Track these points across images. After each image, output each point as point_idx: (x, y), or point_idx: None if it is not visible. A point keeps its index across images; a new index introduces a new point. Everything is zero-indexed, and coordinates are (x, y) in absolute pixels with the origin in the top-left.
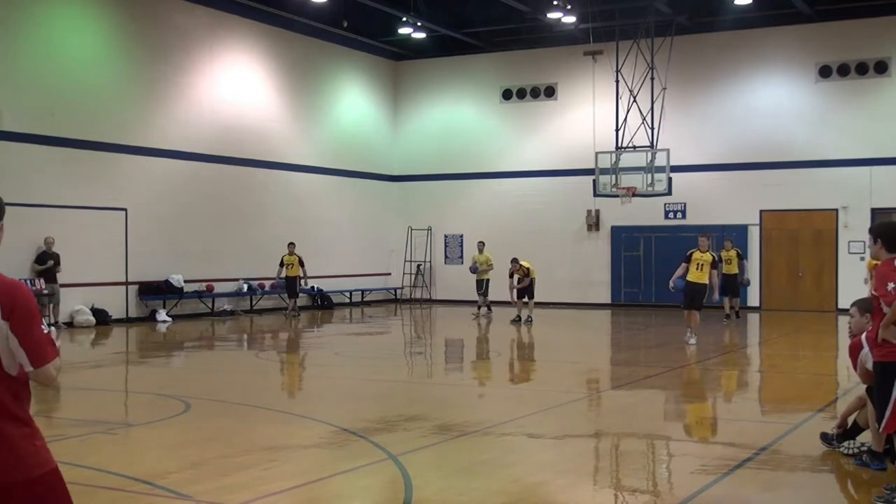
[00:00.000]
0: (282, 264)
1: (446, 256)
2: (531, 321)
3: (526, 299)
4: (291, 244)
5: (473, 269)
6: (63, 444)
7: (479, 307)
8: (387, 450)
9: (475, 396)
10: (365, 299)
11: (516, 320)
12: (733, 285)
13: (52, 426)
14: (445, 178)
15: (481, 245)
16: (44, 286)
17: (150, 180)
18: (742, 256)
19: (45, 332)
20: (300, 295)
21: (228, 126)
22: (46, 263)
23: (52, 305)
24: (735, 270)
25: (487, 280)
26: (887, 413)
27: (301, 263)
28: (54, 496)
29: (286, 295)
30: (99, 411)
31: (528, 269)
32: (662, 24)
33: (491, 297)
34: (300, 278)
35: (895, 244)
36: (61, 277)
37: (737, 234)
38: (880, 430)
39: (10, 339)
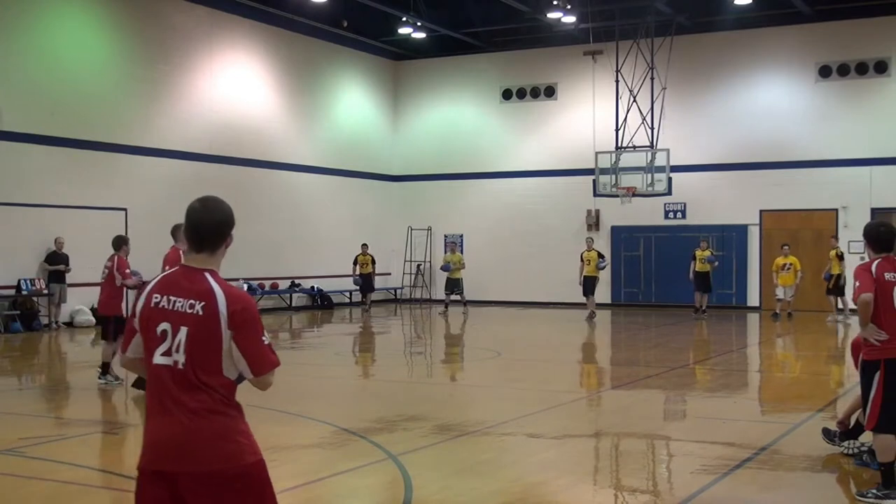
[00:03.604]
0: (356, 263)
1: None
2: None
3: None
4: (364, 245)
5: (446, 269)
6: (63, 444)
7: (446, 305)
8: (387, 450)
9: (475, 396)
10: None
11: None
12: (705, 283)
13: (52, 426)
14: (445, 178)
15: (453, 245)
16: (44, 286)
17: (150, 180)
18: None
19: (266, 342)
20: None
21: (228, 126)
22: (57, 264)
23: (60, 305)
24: (708, 269)
25: (461, 279)
26: (868, 410)
27: (373, 262)
28: (254, 491)
29: (360, 291)
30: (99, 411)
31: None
32: (662, 24)
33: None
34: (373, 275)
35: (879, 245)
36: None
37: (737, 234)
38: (864, 426)
39: (233, 348)
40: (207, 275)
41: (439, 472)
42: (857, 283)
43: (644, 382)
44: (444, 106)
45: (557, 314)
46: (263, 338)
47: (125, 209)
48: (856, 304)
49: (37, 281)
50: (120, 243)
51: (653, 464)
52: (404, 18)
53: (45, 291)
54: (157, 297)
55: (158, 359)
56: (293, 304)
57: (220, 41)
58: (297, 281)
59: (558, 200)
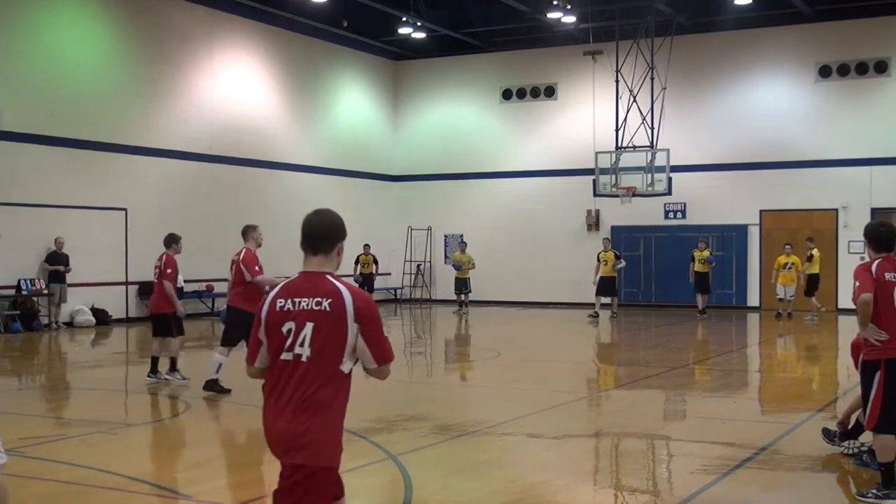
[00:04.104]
0: (357, 262)
1: (446, 256)
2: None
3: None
4: (367, 245)
5: (458, 267)
6: (63, 444)
7: (460, 304)
8: (387, 450)
9: (475, 396)
10: None
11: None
12: (704, 283)
13: (52, 426)
14: (445, 178)
15: (463, 245)
16: (45, 286)
17: (150, 180)
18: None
19: (386, 336)
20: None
21: (228, 126)
22: (57, 264)
23: (60, 305)
24: (707, 269)
25: (469, 278)
26: (868, 410)
27: (375, 262)
28: (323, 489)
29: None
30: (99, 411)
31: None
32: (662, 24)
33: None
34: (374, 275)
35: (880, 245)
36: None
37: (737, 234)
38: (864, 426)
39: (358, 341)
40: (328, 276)
41: (439, 472)
42: (857, 283)
43: (644, 382)
44: (444, 106)
45: (557, 314)
46: (384, 332)
47: (125, 209)
48: (855, 304)
49: (37, 281)
50: (171, 241)
51: (653, 464)
52: (404, 18)
53: (45, 291)
54: (281, 302)
55: (284, 355)
56: None
57: (220, 41)
58: None
59: (558, 200)
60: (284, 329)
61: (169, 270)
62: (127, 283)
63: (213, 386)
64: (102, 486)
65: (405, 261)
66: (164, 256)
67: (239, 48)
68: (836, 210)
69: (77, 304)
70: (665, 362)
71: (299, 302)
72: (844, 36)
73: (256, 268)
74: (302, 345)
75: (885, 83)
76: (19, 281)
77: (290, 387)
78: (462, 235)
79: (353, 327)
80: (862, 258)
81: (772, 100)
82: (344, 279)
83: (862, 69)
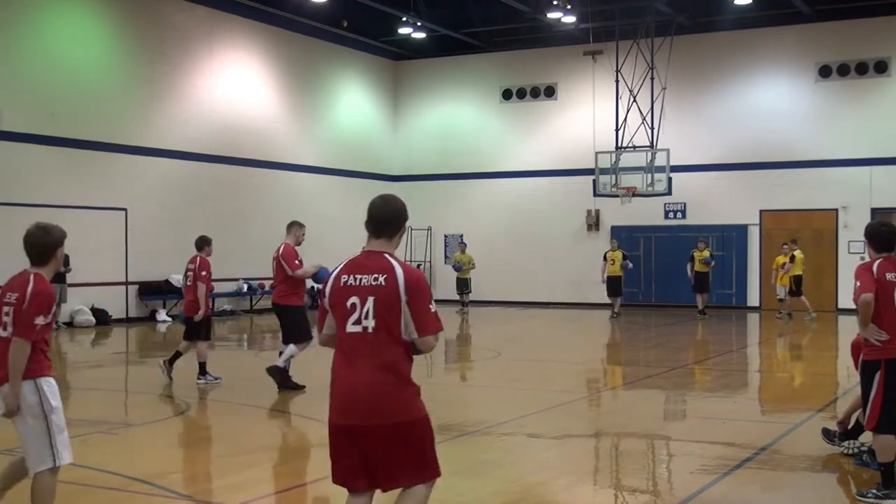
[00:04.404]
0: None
1: (446, 256)
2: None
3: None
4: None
5: (458, 268)
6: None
7: (463, 305)
8: None
9: (475, 396)
10: None
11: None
12: (703, 284)
13: None
14: (445, 178)
15: (463, 246)
16: None
17: (150, 180)
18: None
19: (433, 310)
20: None
21: (228, 126)
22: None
23: (60, 304)
24: (706, 269)
25: (470, 279)
26: (868, 410)
27: None
28: (424, 435)
29: None
30: (99, 411)
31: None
32: (662, 24)
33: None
34: None
35: (880, 245)
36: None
37: (737, 234)
38: (864, 426)
39: (404, 312)
40: (387, 255)
41: None
42: (858, 283)
43: (644, 382)
44: (444, 106)
45: (557, 314)
46: (431, 306)
47: (125, 209)
48: (856, 304)
49: None
50: (203, 244)
51: (653, 464)
52: (404, 18)
53: None
54: (344, 278)
55: (350, 328)
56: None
57: (220, 41)
58: None
59: (558, 200)
60: (349, 303)
61: (204, 273)
62: (127, 283)
63: (284, 380)
64: (102, 486)
65: (405, 261)
66: (198, 259)
67: (239, 48)
68: (836, 210)
69: (77, 304)
70: (665, 362)
71: (360, 278)
72: (844, 36)
73: (296, 262)
74: (367, 317)
75: (885, 83)
76: None
77: (364, 356)
78: (462, 235)
79: (402, 299)
80: (862, 258)
81: (772, 100)
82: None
83: (862, 69)
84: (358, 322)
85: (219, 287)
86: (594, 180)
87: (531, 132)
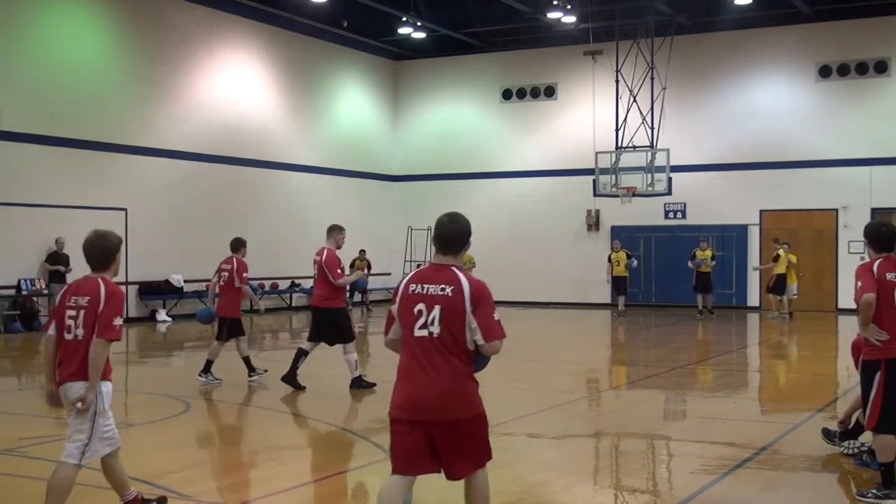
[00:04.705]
0: (352, 266)
1: None
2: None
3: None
4: (362, 251)
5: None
6: (63, 445)
7: None
8: (387, 450)
9: None
10: (363, 299)
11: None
12: (706, 283)
13: (52, 426)
14: (445, 178)
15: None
16: (44, 286)
17: (150, 180)
18: (714, 258)
19: (496, 318)
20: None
21: (228, 126)
22: (58, 264)
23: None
24: (709, 269)
25: None
26: (868, 410)
27: (369, 266)
28: (482, 431)
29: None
30: None
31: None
32: (662, 24)
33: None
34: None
35: (881, 245)
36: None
37: (737, 234)
38: (864, 426)
39: (470, 320)
40: (453, 268)
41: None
42: (860, 284)
43: (644, 382)
44: (444, 106)
45: (557, 314)
46: (494, 314)
47: (125, 209)
48: (857, 304)
49: (37, 281)
50: (239, 245)
51: (653, 464)
52: (404, 18)
53: (45, 291)
54: (413, 286)
55: (417, 332)
56: (293, 304)
57: (220, 41)
58: (297, 281)
59: (558, 200)
60: (415, 309)
61: (245, 274)
62: (127, 283)
63: (359, 383)
64: (102, 486)
65: (405, 261)
66: (235, 261)
67: (239, 48)
68: (836, 210)
69: None
70: (665, 362)
71: (428, 288)
72: (844, 36)
73: (338, 270)
74: (433, 324)
75: (885, 83)
76: (19, 281)
77: (429, 358)
78: None
79: (468, 308)
80: (862, 258)
81: (772, 100)
82: (463, 270)
83: (862, 69)
84: (424, 327)
85: None
86: (594, 180)
87: (531, 132)
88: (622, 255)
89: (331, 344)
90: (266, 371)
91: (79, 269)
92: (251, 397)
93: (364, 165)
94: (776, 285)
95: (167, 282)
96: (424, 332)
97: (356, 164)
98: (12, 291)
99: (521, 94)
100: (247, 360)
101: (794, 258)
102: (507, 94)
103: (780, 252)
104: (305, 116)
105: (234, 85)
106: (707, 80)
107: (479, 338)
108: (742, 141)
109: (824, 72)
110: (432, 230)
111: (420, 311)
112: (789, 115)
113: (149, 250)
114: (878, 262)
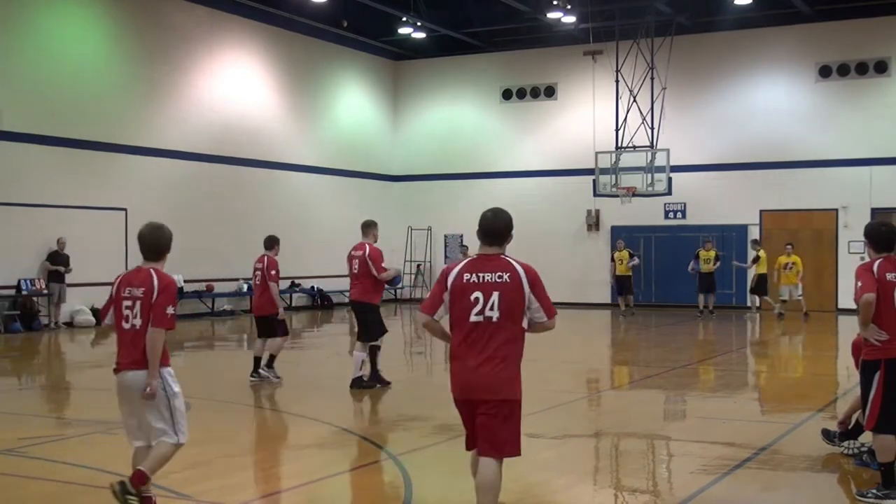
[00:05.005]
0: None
1: (446, 256)
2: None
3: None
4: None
5: None
6: (63, 444)
7: None
8: (387, 450)
9: None
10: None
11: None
12: (709, 283)
13: (52, 426)
14: (445, 178)
15: (465, 248)
16: (44, 286)
17: (150, 180)
18: (719, 258)
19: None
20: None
21: (228, 126)
22: (58, 265)
23: (59, 305)
24: (712, 269)
25: None
26: (867, 410)
27: None
28: (516, 417)
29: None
30: (99, 411)
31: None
32: (662, 24)
33: None
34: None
35: (881, 245)
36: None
37: (737, 234)
38: (864, 426)
39: (532, 301)
40: (504, 256)
41: (439, 472)
42: (860, 284)
43: (644, 382)
44: (444, 106)
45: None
46: (547, 293)
47: (125, 209)
48: (857, 304)
49: (37, 281)
50: (272, 243)
51: (653, 464)
52: (404, 18)
53: (45, 291)
54: (467, 276)
55: (473, 318)
56: (293, 304)
57: (220, 41)
58: (296, 281)
59: (558, 200)
60: (472, 297)
61: (273, 272)
62: None
63: (359, 383)
64: (102, 486)
65: (405, 261)
66: (266, 258)
67: (239, 48)
68: (836, 210)
69: (77, 304)
70: (665, 362)
71: (484, 276)
72: (844, 36)
73: (383, 265)
74: (492, 309)
75: (885, 83)
76: (19, 281)
77: (483, 342)
78: (462, 236)
79: (527, 291)
80: (862, 258)
81: (772, 100)
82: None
83: (862, 69)
84: (480, 313)
85: (219, 287)
86: (594, 180)
87: (531, 132)
88: (625, 254)
89: (359, 339)
90: (279, 379)
91: (79, 269)
92: (251, 397)
93: (364, 165)
94: (758, 285)
95: None
96: (480, 318)
97: (356, 164)
98: (12, 291)
99: (521, 94)
100: (257, 361)
101: (796, 259)
102: (507, 94)
103: (760, 253)
104: (305, 116)
105: (234, 85)
106: (707, 80)
107: (540, 315)
108: (742, 141)
109: (824, 72)
110: (479, 223)
111: (477, 299)
112: (789, 115)
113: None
114: (878, 262)
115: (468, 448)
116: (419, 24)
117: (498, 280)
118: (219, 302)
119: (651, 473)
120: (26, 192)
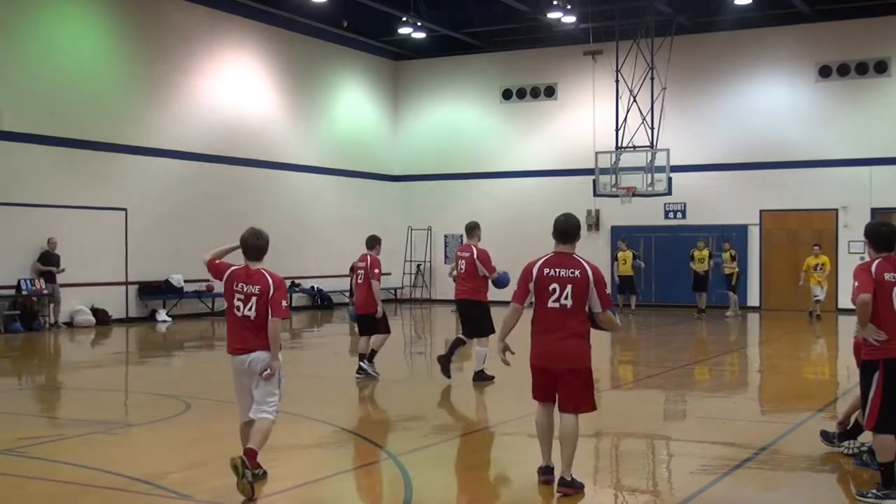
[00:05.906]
0: (352, 270)
1: (446, 256)
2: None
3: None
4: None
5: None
6: (63, 444)
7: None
8: (387, 450)
9: (475, 396)
10: None
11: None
12: (703, 283)
13: (52, 426)
14: (445, 178)
15: None
16: (44, 286)
17: (150, 180)
18: (712, 256)
19: (608, 292)
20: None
21: (228, 126)
22: (50, 265)
23: (52, 305)
24: (706, 269)
25: None
26: (867, 410)
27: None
28: (589, 381)
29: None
30: (99, 411)
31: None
32: (662, 24)
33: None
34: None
35: (881, 245)
36: (62, 277)
37: (737, 234)
38: (863, 426)
39: (594, 294)
40: (576, 256)
41: (439, 472)
42: (857, 284)
43: (644, 382)
44: (444, 106)
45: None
46: (607, 289)
47: (125, 209)
48: (854, 304)
49: (37, 281)
50: (374, 243)
51: (653, 464)
52: (404, 18)
53: (45, 291)
54: (546, 270)
55: (550, 304)
56: (293, 304)
57: (220, 41)
58: (296, 281)
59: (558, 200)
60: (550, 287)
61: (376, 270)
62: (127, 283)
63: (481, 376)
64: (102, 486)
65: (405, 261)
66: (369, 257)
67: (239, 48)
68: (836, 210)
69: (77, 304)
70: (665, 362)
71: (559, 271)
72: (844, 36)
73: (493, 265)
74: (567, 298)
75: (885, 83)
76: (19, 281)
77: (559, 323)
78: (462, 236)
79: (591, 285)
80: (862, 258)
81: (772, 100)
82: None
83: (862, 69)
84: (556, 300)
85: (219, 287)
86: (594, 180)
87: (531, 132)
88: (629, 254)
89: (469, 337)
90: (377, 375)
91: (71, 269)
92: None
93: (364, 165)
94: (731, 283)
95: (167, 282)
96: (556, 305)
97: (356, 164)
98: (12, 291)
99: (521, 94)
100: (362, 357)
101: (825, 260)
102: (507, 94)
103: (731, 253)
104: (305, 116)
105: (235, 85)
106: (707, 80)
107: (597, 306)
108: (742, 141)
109: (824, 72)
110: (554, 226)
111: (554, 289)
112: (789, 115)
113: (149, 250)
114: (876, 261)
115: (536, 397)
116: (419, 24)
117: (571, 275)
118: (219, 302)
119: (651, 473)
120: (26, 192)
